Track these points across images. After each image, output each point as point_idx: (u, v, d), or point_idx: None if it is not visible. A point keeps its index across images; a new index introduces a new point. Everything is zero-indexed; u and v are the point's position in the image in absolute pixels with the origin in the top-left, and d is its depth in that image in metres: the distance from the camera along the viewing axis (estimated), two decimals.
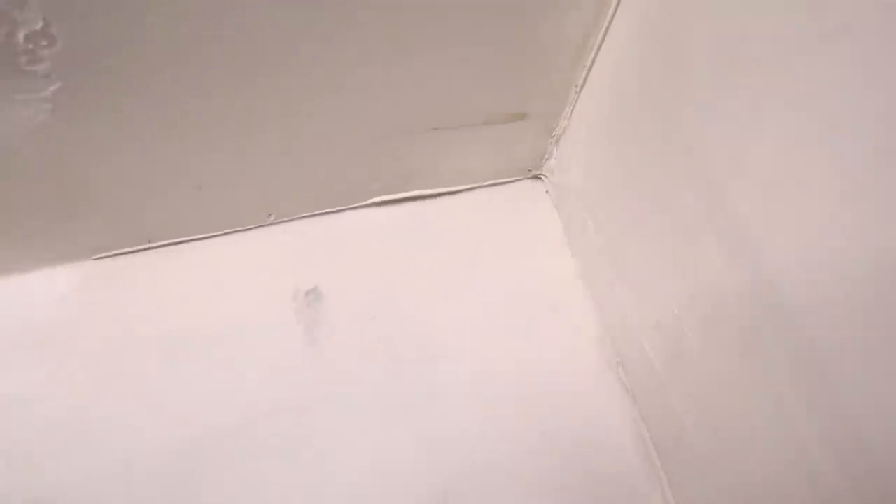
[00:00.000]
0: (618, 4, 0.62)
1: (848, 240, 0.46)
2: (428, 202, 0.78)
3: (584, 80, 0.69)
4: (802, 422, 0.52)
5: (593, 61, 0.67)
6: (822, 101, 0.46)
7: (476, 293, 0.73)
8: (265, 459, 0.60)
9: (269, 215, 0.73)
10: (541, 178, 0.84)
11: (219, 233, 0.71)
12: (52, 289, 0.65)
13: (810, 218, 0.48)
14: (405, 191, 0.77)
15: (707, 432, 0.63)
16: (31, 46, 0.48)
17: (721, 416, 0.61)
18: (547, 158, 0.81)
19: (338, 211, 0.76)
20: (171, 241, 0.70)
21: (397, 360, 0.67)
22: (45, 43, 0.48)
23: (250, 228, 0.72)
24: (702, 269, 0.60)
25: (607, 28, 0.63)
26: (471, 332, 0.71)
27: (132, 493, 0.57)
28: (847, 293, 0.47)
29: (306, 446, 0.62)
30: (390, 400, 0.65)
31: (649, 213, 0.66)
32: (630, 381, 0.72)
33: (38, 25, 0.47)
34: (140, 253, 0.68)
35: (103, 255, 0.68)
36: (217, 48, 0.54)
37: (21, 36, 0.47)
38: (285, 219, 0.74)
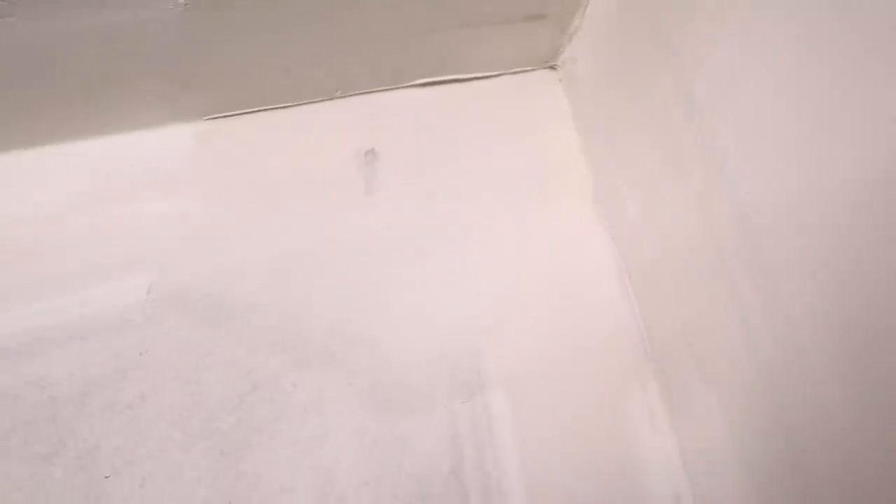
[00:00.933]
0: None
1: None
2: (462, 84, 0.87)
3: None
4: (737, 273, 0.60)
5: None
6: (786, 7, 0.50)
7: (498, 157, 0.83)
8: (334, 275, 0.73)
9: (337, 91, 0.82)
10: (555, 69, 0.90)
11: (298, 103, 0.81)
12: (172, 142, 0.77)
13: (760, 107, 0.54)
14: (443, 74, 0.85)
15: (676, 289, 0.71)
16: None
17: (678, 259, 0.69)
18: (561, 52, 0.88)
19: (390, 89, 0.85)
20: (263, 107, 0.80)
21: (435, 207, 0.79)
22: None
23: (322, 100, 0.82)
24: (671, 146, 0.67)
25: None
26: (494, 187, 0.81)
27: (244, 285, 0.71)
28: (794, 210, 0.52)
29: (365, 267, 0.74)
30: (430, 237, 0.76)
31: (636, 98, 0.73)
32: (615, 228, 0.80)
33: None
34: (239, 116, 0.79)
35: (212, 116, 0.79)
36: None
37: None
38: (350, 93, 0.83)
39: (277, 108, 0.82)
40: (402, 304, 0.74)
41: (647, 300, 0.77)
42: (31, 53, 0.65)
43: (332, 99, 0.84)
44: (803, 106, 0.50)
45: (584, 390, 0.72)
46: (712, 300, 0.64)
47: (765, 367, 0.59)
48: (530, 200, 0.82)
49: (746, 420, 0.62)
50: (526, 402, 0.71)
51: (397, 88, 0.86)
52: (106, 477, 0.60)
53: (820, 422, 0.54)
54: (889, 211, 0.44)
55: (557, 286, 0.77)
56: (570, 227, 0.81)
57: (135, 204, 0.75)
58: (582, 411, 0.71)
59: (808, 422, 0.55)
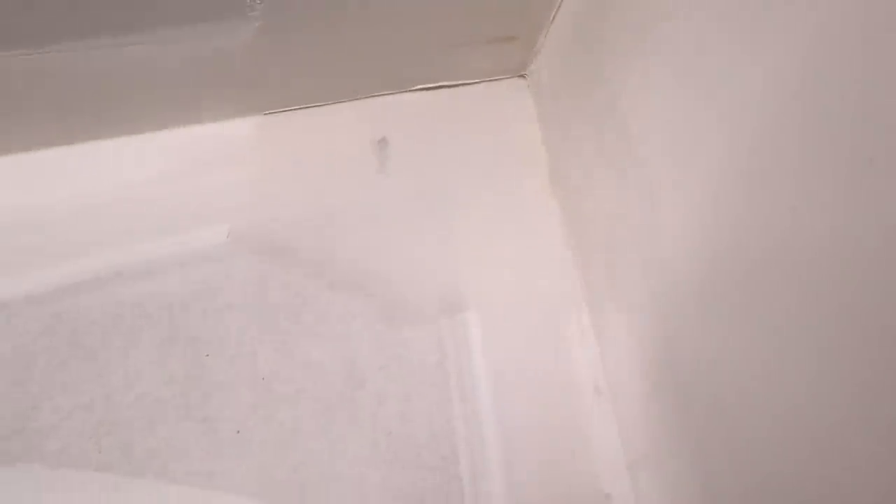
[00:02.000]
0: None
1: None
2: (451, 89, 1.01)
3: (554, 16, 0.89)
4: (645, 239, 0.72)
5: (559, 5, 0.87)
6: (696, 69, 0.60)
7: (477, 146, 0.98)
8: (356, 228, 0.90)
9: (357, 93, 0.98)
10: (524, 77, 1.04)
11: (328, 102, 0.97)
12: (238, 131, 0.93)
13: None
14: (437, 82, 1.00)
15: (602, 236, 0.84)
16: (252, 3, 0.73)
17: (607, 224, 0.82)
18: (529, 65, 1.01)
19: (397, 93, 0.99)
20: (303, 105, 0.96)
21: (430, 181, 0.95)
22: (259, 2, 0.73)
23: (346, 101, 0.98)
24: (602, 140, 0.80)
25: None
26: (473, 169, 0.97)
27: (294, 236, 0.89)
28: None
29: (378, 224, 0.91)
30: (426, 203, 0.93)
31: (582, 102, 0.85)
32: (564, 197, 0.95)
33: None
34: (287, 112, 0.96)
35: (268, 112, 0.95)
36: (337, 4, 0.76)
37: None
38: (367, 96, 0.98)
39: (314, 105, 0.97)
40: (406, 249, 0.90)
41: (583, 250, 0.91)
42: (140, 67, 0.78)
43: (353, 99, 0.98)
44: (691, 109, 0.61)
45: (535, 314, 0.90)
46: (626, 250, 0.77)
47: (654, 297, 0.72)
48: (501, 177, 0.97)
49: (643, 334, 0.77)
50: (492, 321, 0.89)
51: (402, 92, 1.00)
52: (206, 355, 0.83)
53: (688, 335, 0.67)
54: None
55: (518, 240, 0.93)
56: (530, 198, 0.97)
57: (213, 175, 0.90)
58: (533, 329, 0.89)
59: (682, 334, 0.68)
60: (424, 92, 1.01)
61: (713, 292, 0.61)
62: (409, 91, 1.01)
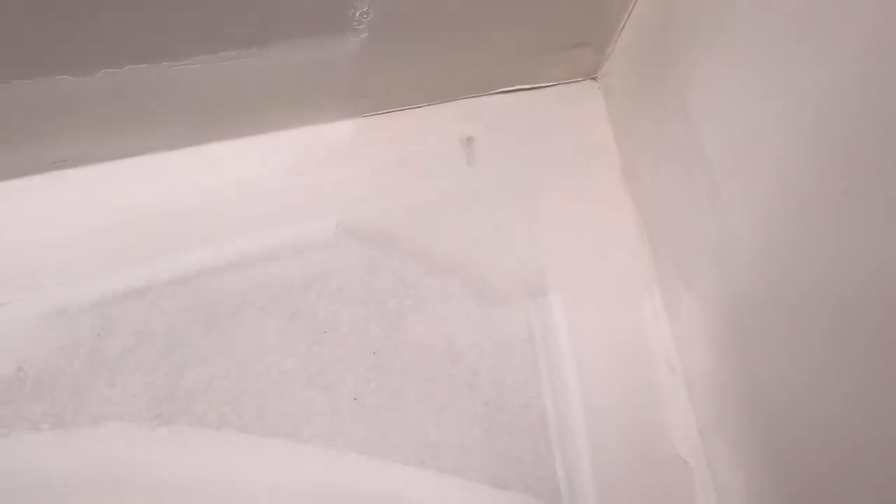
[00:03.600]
0: None
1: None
2: (530, 92, 1.06)
3: (624, 24, 0.92)
4: (713, 228, 0.73)
5: (629, 14, 0.89)
6: (757, 43, 0.60)
7: (554, 144, 1.02)
8: (450, 218, 0.97)
9: (447, 97, 1.03)
10: (596, 80, 1.07)
11: (421, 105, 1.03)
12: (342, 132, 1.00)
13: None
14: (518, 85, 1.04)
15: (672, 225, 0.86)
16: (360, 17, 0.78)
17: (678, 216, 0.83)
18: (601, 68, 1.04)
19: (481, 95, 1.04)
20: (399, 108, 1.02)
21: (514, 176, 1.00)
22: (366, 16, 0.78)
23: (438, 103, 1.04)
24: (672, 139, 0.81)
25: None
26: (552, 165, 1.00)
27: (394, 226, 0.95)
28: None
29: (469, 214, 0.97)
30: (510, 195, 0.99)
31: (649, 103, 0.87)
32: (637, 196, 0.96)
33: (366, 8, 0.77)
34: (386, 114, 1.02)
35: (368, 114, 1.01)
36: (434, 14, 0.81)
37: (357, 13, 0.77)
38: (456, 98, 1.04)
39: (411, 108, 1.02)
40: (495, 237, 0.96)
41: (654, 237, 0.94)
42: (259, 75, 0.85)
43: (442, 102, 1.03)
44: (761, 108, 0.60)
45: (611, 296, 0.95)
46: (690, 238, 0.80)
47: (723, 281, 0.74)
48: (577, 172, 1.01)
49: (712, 312, 0.78)
50: (573, 302, 0.93)
51: (486, 95, 1.05)
52: (324, 332, 0.90)
53: (756, 315, 0.68)
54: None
55: (595, 229, 0.97)
56: (604, 190, 1.00)
57: (321, 172, 0.97)
58: (610, 309, 0.94)
59: (749, 313, 0.69)
60: (505, 94, 1.05)
61: (780, 280, 0.63)
62: (492, 94, 1.05)
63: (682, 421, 0.87)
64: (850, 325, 0.52)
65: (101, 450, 0.80)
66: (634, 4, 0.88)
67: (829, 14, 0.50)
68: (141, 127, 0.90)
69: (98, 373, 0.84)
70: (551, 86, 1.07)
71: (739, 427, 0.75)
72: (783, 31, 0.56)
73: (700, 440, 0.86)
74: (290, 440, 0.82)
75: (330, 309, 0.90)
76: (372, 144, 1.01)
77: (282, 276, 0.91)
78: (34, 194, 0.93)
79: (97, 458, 0.80)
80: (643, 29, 0.88)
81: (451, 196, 0.99)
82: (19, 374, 0.82)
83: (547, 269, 0.96)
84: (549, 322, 0.94)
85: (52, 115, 0.82)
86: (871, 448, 0.52)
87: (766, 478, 0.70)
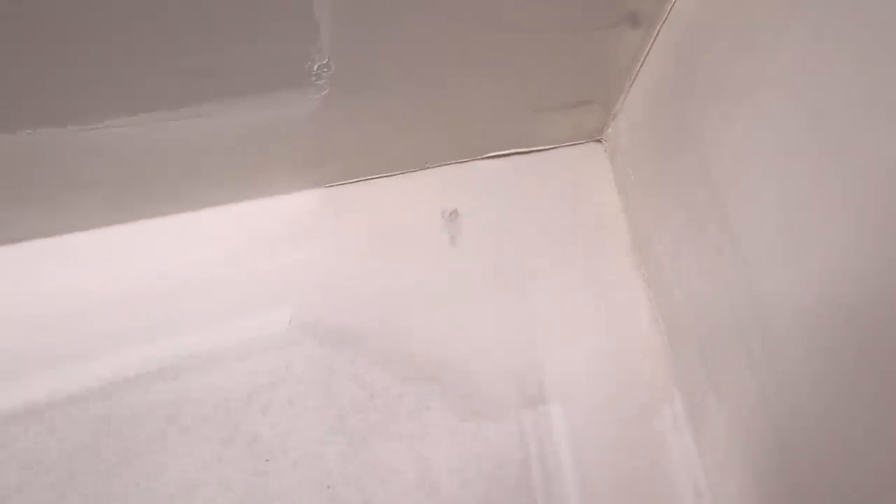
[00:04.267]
0: (657, 34, 0.76)
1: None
2: (526, 156, 0.97)
3: (634, 79, 0.85)
4: (748, 325, 0.66)
5: (640, 68, 0.82)
6: (785, 99, 0.56)
7: (554, 215, 0.93)
8: (429, 308, 0.86)
9: (426, 163, 0.94)
10: (601, 142, 1.00)
11: (396, 172, 0.93)
12: (302, 204, 0.90)
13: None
14: (511, 148, 0.96)
15: (694, 319, 0.78)
16: (318, 72, 0.69)
17: (701, 310, 0.76)
18: (606, 129, 0.97)
19: (469, 160, 0.96)
20: (370, 176, 0.92)
21: (505, 255, 0.89)
22: (326, 70, 0.69)
23: (416, 170, 0.94)
24: (691, 207, 0.74)
25: (650, 48, 0.79)
26: (550, 241, 0.91)
27: (355, 318, 0.84)
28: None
29: (451, 305, 0.86)
30: (502, 279, 0.88)
31: (664, 168, 0.81)
32: (649, 275, 0.89)
33: (325, 61, 0.68)
34: (353, 183, 0.92)
35: (332, 184, 0.91)
36: (410, 71, 0.73)
37: (315, 67, 0.68)
38: (437, 164, 0.95)
39: (382, 176, 0.93)
40: (482, 331, 0.85)
41: (673, 330, 0.84)
42: (199, 143, 0.76)
43: (423, 169, 0.94)
44: (802, 182, 0.55)
45: (623, 403, 0.83)
46: (725, 335, 0.71)
47: (762, 386, 0.65)
48: (580, 249, 0.92)
49: (749, 426, 0.69)
50: (577, 411, 0.82)
51: (474, 160, 0.96)
52: (267, 460, 0.76)
53: (806, 431, 0.60)
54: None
55: (601, 320, 0.87)
56: (612, 272, 0.91)
57: (276, 253, 0.87)
58: (622, 419, 0.82)
59: (797, 428, 0.61)
60: (497, 159, 0.97)
61: (835, 382, 0.55)
62: (481, 159, 0.97)
63: None
64: None
65: None
66: (647, 55, 0.81)
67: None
68: (45, 204, 0.77)
69: None
70: (550, 149, 0.99)
71: None
72: (841, 91, 0.49)
73: None
74: None
75: (276, 428, 0.77)
76: (336, 220, 0.91)
77: (219, 386, 0.78)
78: None
79: None
80: (657, 84, 0.81)
81: (431, 282, 0.88)
82: None
83: (545, 371, 0.85)
84: (548, 437, 0.81)
85: None
86: None
87: None
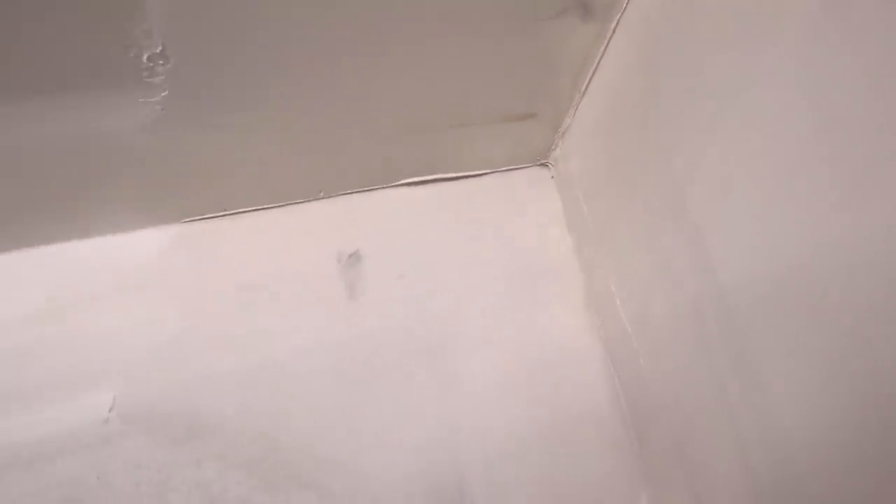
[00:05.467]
0: (613, 30, 0.70)
1: (784, 244, 0.52)
2: (450, 183, 0.87)
3: (586, 88, 0.78)
4: (741, 412, 0.60)
5: (593, 73, 0.75)
6: (762, 123, 0.52)
7: (487, 260, 0.83)
8: (311, 382, 0.73)
9: (320, 191, 0.83)
10: (547, 166, 0.91)
11: (280, 204, 0.82)
12: (152, 244, 0.77)
13: (750, 217, 0.55)
14: (431, 174, 0.86)
15: (669, 399, 0.72)
16: (151, 64, 0.59)
17: (669, 370, 0.70)
18: (553, 150, 0.89)
19: (375, 189, 0.85)
20: (243, 209, 0.81)
21: (421, 312, 0.78)
22: (161, 62, 0.59)
23: (305, 201, 0.82)
24: (662, 251, 0.68)
25: (605, 49, 0.72)
26: (482, 292, 0.80)
27: (216, 401, 0.70)
28: (781, 298, 0.53)
29: (342, 376, 0.74)
30: (414, 345, 0.76)
31: (627, 200, 0.74)
32: (608, 339, 0.80)
33: (158, 49, 0.58)
34: (219, 218, 0.79)
35: (191, 218, 0.79)
36: (285, 71, 0.65)
37: (145, 56, 0.58)
38: (332, 194, 0.84)
39: (258, 209, 0.82)
40: (383, 419, 0.72)
41: (639, 410, 0.77)
42: (4, 155, 0.65)
43: (314, 199, 0.84)
44: (799, 212, 0.49)
45: None
46: (707, 414, 0.64)
47: (756, 481, 0.59)
48: (520, 304, 0.81)
49: None
50: None
51: (384, 188, 0.86)
52: None
53: None
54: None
55: (546, 399, 0.76)
56: (561, 334, 0.81)
57: (101, 312, 0.73)
58: None
59: None
60: (411, 187, 0.86)
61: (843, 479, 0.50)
62: (391, 186, 0.86)
63: None
64: None
65: None
66: (602, 55, 0.74)
67: None
68: None
69: None
70: (482, 175, 0.89)
71: None
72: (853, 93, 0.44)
73: None
74: None
75: None
76: (190, 267, 0.77)
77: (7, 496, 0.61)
78: None
79: None
80: (615, 92, 0.75)
81: (318, 351, 0.74)
82: None
83: (467, 470, 0.71)
84: None
85: None
86: None
87: None
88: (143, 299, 0.75)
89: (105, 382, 0.69)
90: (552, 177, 0.92)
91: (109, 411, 0.67)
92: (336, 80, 0.68)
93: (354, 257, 0.82)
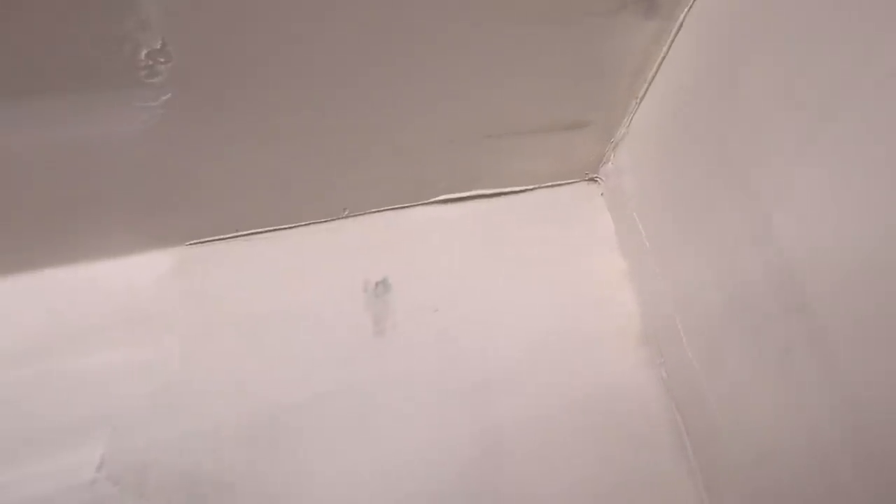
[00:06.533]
0: (679, 27, 0.66)
1: (875, 266, 0.48)
2: (491, 200, 0.83)
3: (644, 93, 0.74)
4: (826, 431, 0.55)
5: (654, 76, 0.71)
6: (870, 141, 0.48)
7: (530, 288, 0.78)
8: (334, 432, 0.67)
9: (344, 210, 0.78)
10: (596, 182, 0.88)
11: (298, 224, 0.77)
12: (150, 270, 0.71)
13: (850, 254, 0.51)
14: (470, 189, 0.82)
15: (741, 436, 0.67)
16: (150, 62, 0.54)
17: (753, 421, 0.65)
18: (604, 163, 0.85)
19: (407, 206, 0.81)
20: (256, 230, 0.76)
21: (456, 351, 0.73)
22: (162, 59, 0.54)
23: (326, 220, 0.78)
24: (742, 282, 0.63)
25: (669, 48, 0.68)
26: (524, 326, 0.75)
27: (220, 459, 0.63)
28: (872, 322, 0.49)
29: (368, 426, 0.68)
30: (447, 388, 0.71)
31: (695, 223, 0.70)
32: (672, 382, 0.75)
33: (158, 45, 0.53)
34: (228, 240, 0.74)
35: (196, 241, 0.74)
36: (309, 71, 0.61)
37: (143, 53, 0.53)
38: (359, 213, 0.79)
39: (273, 230, 0.77)
40: (415, 476, 0.66)
41: (712, 471, 0.71)
42: None
43: (337, 219, 0.80)
44: None
45: None
46: (793, 474, 0.60)
47: None
48: (567, 341, 0.76)
49: None
50: None
51: (415, 206, 0.82)
52: None
53: None
54: None
55: (598, 453, 0.70)
56: (614, 379, 0.75)
57: (90, 351, 0.67)
58: None
59: None
60: (446, 205, 0.82)
61: None
62: (424, 204, 0.82)
63: None
64: None
65: None
66: (665, 56, 0.70)
67: None
68: None
69: None
70: (525, 191, 0.85)
71: None
72: None
73: None
74: None
75: None
76: (195, 295, 0.71)
77: None
78: None
79: None
80: (677, 97, 0.70)
81: (339, 393, 0.68)
82: None
83: None
84: None
85: None
86: None
87: None
88: (139, 336, 0.69)
89: (93, 435, 0.62)
90: (602, 193, 0.88)
91: (97, 471, 0.61)
92: (361, 84, 0.63)
93: (382, 286, 0.77)
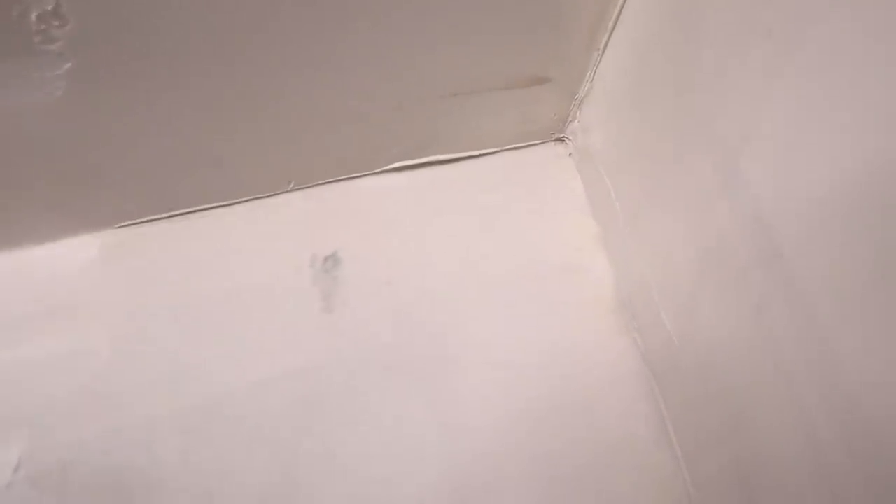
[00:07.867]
0: None
1: (851, 208, 0.45)
2: (448, 166, 0.79)
3: (606, 43, 0.70)
4: (804, 388, 0.53)
5: (614, 25, 0.68)
6: (832, 69, 0.45)
7: (494, 257, 0.75)
8: (279, 421, 0.64)
9: (289, 182, 0.75)
10: (564, 141, 0.84)
11: (239, 200, 0.74)
12: (76, 256, 0.68)
13: (820, 195, 0.48)
14: (425, 155, 0.79)
15: (717, 402, 0.64)
16: (43, 26, 0.50)
17: (729, 384, 0.63)
18: (570, 121, 0.82)
19: (357, 177, 0.77)
20: (192, 208, 0.73)
21: (411, 326, 0.69)
22: (57, 23, 0.50)
23: (270, 195, 0.75)
24: (714, 236, 0.61)
25: None
26: (488, 296, 0.72)
27: (150, 454, 0.60)
28: (848, 270, 0.46)
29: (319, 410, 0.65)
30: (403, 366, 0.67)
31: (666, 176, 0.67)
32: (646, 348, 0.73)
33: (50, 6, 0.49)
34: (162, 220, 0.71)
35: (126, 223, 0.71)
36: (231, 25, 0.56)
37: (34, 16, 0.49)
38: (305, 185, 0.76)
39: (211, 207, 0.74)
40: (368, 460, 0.63)
41: (690, 439, 0.69)
42: None
43: (282, 192, 0.76)
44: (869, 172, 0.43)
45: None
46: (771, 435, 0.57)
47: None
48: (535, 309, 0.72)
49: None
50: None
51: (366, 175, 0.78)
52: None
53: None
54: None
55: (569, 427, 0.67)
56: (587, 344, 0.71)
57: (10, 343, 0.65)
58: None
59: None
60: (400, 173, 0.78)
61: None
62: (376, 173, 0.78)
63: None
64: None
65: None
66: (624, 3, 0.66)
67: None
68: None
69: None
70: (486, 154, 0.81)
71: None
72: None
73: None
74: None
75: None
76: (125, 281, 0.68)
77: None
78: None
79: None
80: (642, 46, 0.67)
81: (283, 378, 0.64)
82: None
83: None
84: None
85: None
86: None
87: None
88: (63, 326, 0.66)
89: (10, 435, 0.59)
90: (570, 154, 0.85)
91: (14, 473, 0.58)
92: (299, 41, 0.60)
93: (332, 261, 0.74)
